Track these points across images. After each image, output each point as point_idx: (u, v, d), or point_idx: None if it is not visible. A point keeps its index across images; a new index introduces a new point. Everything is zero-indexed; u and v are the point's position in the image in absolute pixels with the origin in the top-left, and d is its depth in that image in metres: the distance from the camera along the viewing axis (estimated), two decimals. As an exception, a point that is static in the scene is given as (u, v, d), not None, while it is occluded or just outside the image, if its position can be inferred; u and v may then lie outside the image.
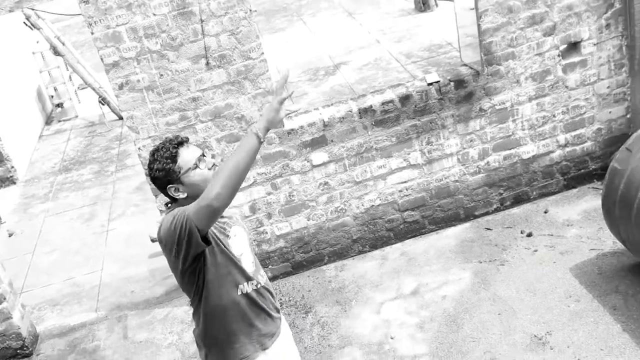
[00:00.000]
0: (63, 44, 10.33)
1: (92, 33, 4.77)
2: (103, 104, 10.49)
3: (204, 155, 3.08)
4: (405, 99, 5.36)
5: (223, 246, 3.10)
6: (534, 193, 5.90)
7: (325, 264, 5.80)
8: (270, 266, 5.69)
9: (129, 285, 6.29)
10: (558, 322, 4.57)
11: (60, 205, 8.31)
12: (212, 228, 3.03)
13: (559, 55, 5.45)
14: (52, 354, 5.58)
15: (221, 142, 5.21)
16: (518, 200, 5.90)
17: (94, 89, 10.46)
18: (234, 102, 5.12)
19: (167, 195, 3.09)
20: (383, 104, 5.37)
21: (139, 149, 5.12)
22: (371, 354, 4.74)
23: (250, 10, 4.90)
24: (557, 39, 5.40)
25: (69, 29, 15.55)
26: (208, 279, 3.08)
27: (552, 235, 5.44)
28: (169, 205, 3.18)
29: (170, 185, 3.02)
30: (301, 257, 5.73)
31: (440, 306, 5.00)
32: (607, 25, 5.41)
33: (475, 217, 5.88)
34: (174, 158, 3.00)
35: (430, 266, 5.45)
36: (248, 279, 3.18)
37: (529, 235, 5.50)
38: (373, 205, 5.66)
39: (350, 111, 5.35)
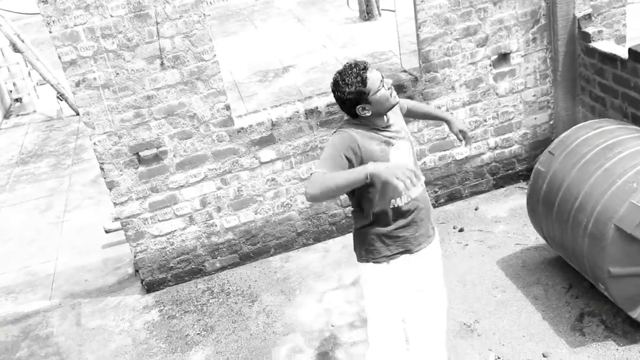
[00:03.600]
0: (22, 41, 10.04)
1: (50, 32, 4.65)
2: (61, 100, 10.24)
3: (383, 78, 3.27)
4: (348, 102, 5.37)
5: (382, 161, 3.22)
6: (466, 191, 5.99)
7: (271, 255, 5.78)
8: (219, 257, 5.65)
9: (83, 274, 6.16)
10: (485, 311, 4.65)
11: (17, 196, 8.09)
12: (374, 145, 3.25)
13: (490, 65, 5.55)
14: (6, 340, 5.43)
15: (174, 139, 5.14)
16: (451, 198, 5.98)
17: (52, 85, 10.20)
18: (186, 101, 5.06)
19: (351, 113, 3.27)
20: (328, 105, 5.37)
21: (95, 144, 5.01)
22: (313, 341, 4.74)
23: (204, 14, 4.84)
24: (489, 49, 5.49)
25: (29, 27, 15.14)
26: (368, 190, 3.30)
27: (481, 230, 5.53)
28: (346, 119, 3.38)
29: (359, 105, 3.20)
30: (248, 249, 5.70)
31: (377, 296, 5.03)
32: (534, 39, 5.53)
33: (412, 213, 5.94)
34: (364, 81, 3.18)
35: (369, 258, 5.47)
36: (400, 194, 3.33)
37: (461, 230, 5.58)
38: (317, 201, 5.66)
39: (297, 112, 5.34)
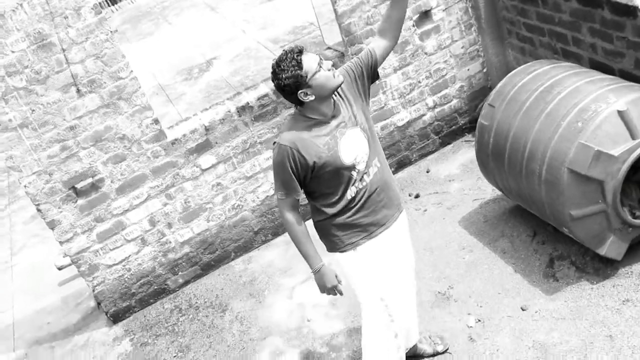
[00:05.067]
0: None
1: (-49, 80, 4.36)
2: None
3: (321, 59, 3.16)
4: (279, 90, 5.21)
5: (331, 168, 3.22)
6: (414, 155, 5.92)
7: (233, 259, 5.64)
8: (179, 272, 5.48)
9: (44, 318, 5.92)
10: (457, 275, 4.61)
11: (-42, 248, 7.74)
12: (319, 143, 3.20)
13: (414, 25, 5.44)
14: (-23, 404, 5.21)
15: (108, 165, 4.91)
16: (401, 165, 5.91)
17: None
18: (112, 124, 4.83)
19: (295, 101, 3.18)
20: (259, 98, 5.21)
21: (25, 186, 4.76)
22: (292, 340, 4.64)
23: (111, 31, 4.60)
24: (410, 10, 5.37)
25: None
26: (320, 189, 3.35)
27: (437, 192, 5.48)
28: (297, 108, 3.28)
29: (301, 90, 3.10)
30: (208, 258, 5.55)
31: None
32: (452, -9, 5.44)
33: (365, 188, 5.85)
34: (300, 64, 3.07)
35: (331, 243, 5.38)
36: (355, 182, 3.31)
37: (417, 196, 5.52)
38: (268, 196, 5.52)
39: (229, 111, 5.16)
